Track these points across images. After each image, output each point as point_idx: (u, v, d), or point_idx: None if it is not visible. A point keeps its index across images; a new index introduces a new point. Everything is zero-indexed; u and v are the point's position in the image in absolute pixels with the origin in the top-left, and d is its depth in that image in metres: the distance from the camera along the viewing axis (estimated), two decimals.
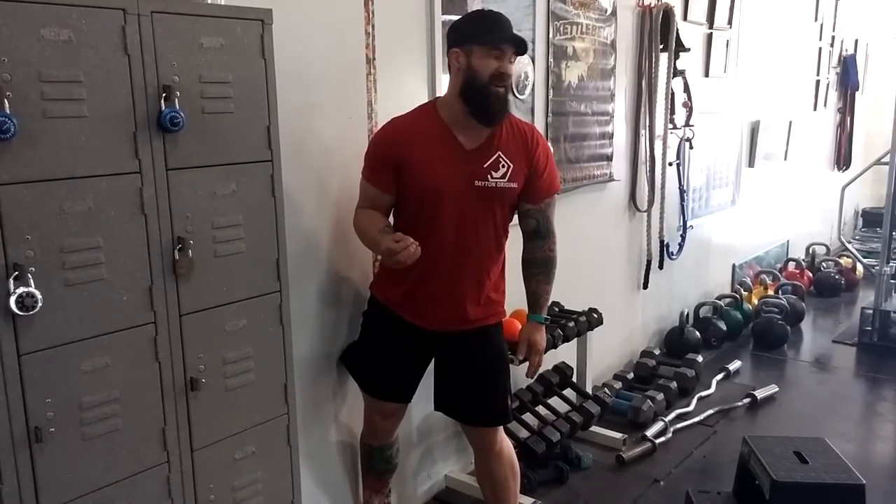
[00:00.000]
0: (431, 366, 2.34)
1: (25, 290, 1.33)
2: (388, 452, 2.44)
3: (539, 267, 2.26)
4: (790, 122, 5.68)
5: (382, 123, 2.33)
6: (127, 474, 1.55)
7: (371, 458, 2.44)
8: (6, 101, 1.29)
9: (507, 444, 2.36)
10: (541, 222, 2.22)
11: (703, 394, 3.81)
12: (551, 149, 2.28)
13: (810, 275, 5.87)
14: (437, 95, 2.48)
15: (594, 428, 3.29)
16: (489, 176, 2.09)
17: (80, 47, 1.38)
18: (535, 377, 2.56)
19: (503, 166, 2.10)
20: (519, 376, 2.79)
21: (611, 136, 3.66)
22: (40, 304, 1.35)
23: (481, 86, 2.02)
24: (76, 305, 1.43)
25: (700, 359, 4.04)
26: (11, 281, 1.32)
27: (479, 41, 2.03)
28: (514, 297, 2.36)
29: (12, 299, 1.32)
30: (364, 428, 2.43)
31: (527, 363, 2.39)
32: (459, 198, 2.08)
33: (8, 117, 1.28)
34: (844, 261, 6.07)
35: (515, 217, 2.25)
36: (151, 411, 1.58)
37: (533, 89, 3.07)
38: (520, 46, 2.04)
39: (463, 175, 2.08)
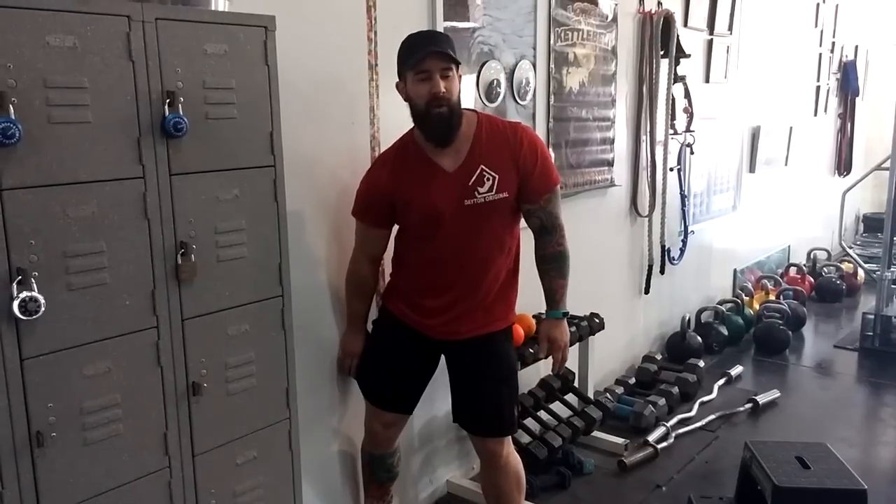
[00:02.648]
0: (437, 374, 2.34)
1: (28, 294, 1.33)
2: (389, 461, 2.43)
3: (550, 262, 2.23)
4: (791, 128, 5.69)
5: (384, 129, 2.35)
6: (128, 479, 1.55)
7: (372, 466, 2.44)
8: (11, 107, 1.29)
9: (514, 457, 2.34)
10: (544, 219, 2.18)
11: (705, 399, 3.81)
12: (543, 142, 2.23)
13: (812, 280, 5.87)
14: None
15: (596, 433, 3.28)
16: (476, 193, 2.08)
17: (85, 54, 1.39)
18: (532, 382, 2.53)
19: (488, 179, 2.08)
20: (524, 381, 2.78)
21: (612, 142, 3.66)
22: (43, 309, 1.35)
23: (421, 112, 2.03)
24: (79, 310, 1.43)
25: (702, 364, 4.04)
26: (15, 285, 1.33)
27: (407, 68, 2.02)
28: (524, 297, 2.35)
29: (15, 304, 1.32)
30: (365, 436, 2.42)
31: (551, 360, 2.35)
32: (454, 219, 2.09)
33: (13, 123, 1.28)
34: (846, 266, 6.07)
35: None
36: (153, 416, 1.58)
37: (534, 95, 3.08)
38: (446, 58, 1.97)
39: (450, 198, 2.08)
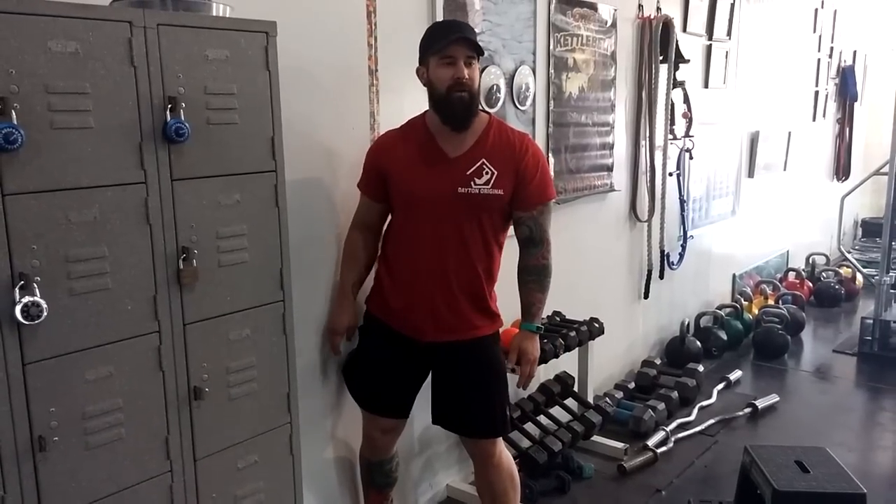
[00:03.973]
0: (429, 380, 2.34)
1: (31, 299, 1.34)
2: (387, 467, 2.43)
3: (532, 275, 2.24)
4: (789, 133, 5.71)
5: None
6: (130, 483, 1.55)
7: (371, 472, 2.44)
8: (14, 113, 1.30)
9: (506, 456, 2.35)
10: (534, 230, 2.19)
11: (704, 403, 3.82)
12: (546, 158, 2.26)
13: (810, 285, 5.88)
14: None
15: (595, 437, 3.28)
16: (472, 182, 2.10)
17: (87, 59, 1.39)
18: (533, 387, 2.53)
19: (486, 173, 2.11)
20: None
21: (611, 147, 3.67)
22: (45, 314, 1.35)
23: (441, 96, 2.06)
24: (81, 315, 1.43)
25: (701, 368, 4.04)
26: (17, 290, 1.33)
27: (431, 53, 2.05)
28: (514, 307, 2.36)
29: (18, 308, 1.32)
30: (363, 443, 2.42)
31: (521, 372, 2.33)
32: (442, 204, 2.11)
33: (15, 128, 1.29)
34: (844, 271, 6.08)
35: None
36: (155, 420, 1.58)
37: (534, 100, 3.08)
38: (471, 45, 2.02)
39: (445, 182, 2.10)
